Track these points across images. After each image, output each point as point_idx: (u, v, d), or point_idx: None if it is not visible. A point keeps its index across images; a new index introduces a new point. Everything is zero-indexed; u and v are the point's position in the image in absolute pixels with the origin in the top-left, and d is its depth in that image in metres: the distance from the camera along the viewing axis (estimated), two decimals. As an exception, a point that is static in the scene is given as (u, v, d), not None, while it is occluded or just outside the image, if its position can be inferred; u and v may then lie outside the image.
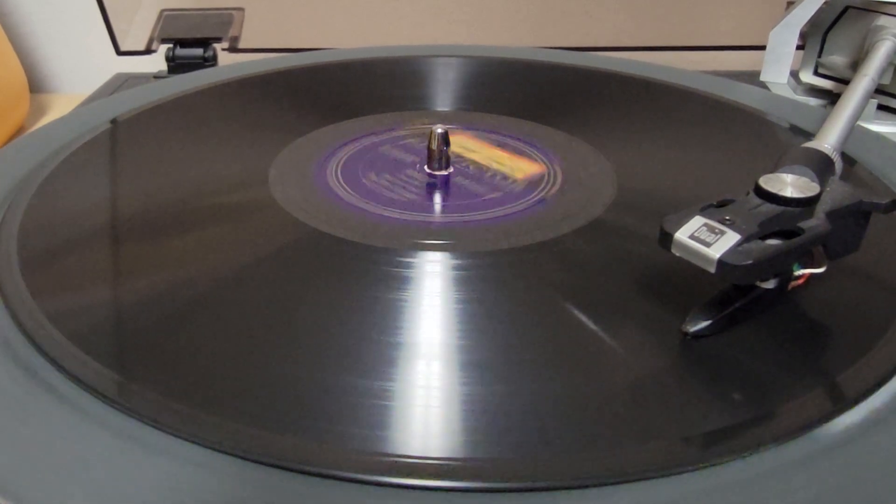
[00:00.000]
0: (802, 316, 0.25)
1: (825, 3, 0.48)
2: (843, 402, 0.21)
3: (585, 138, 0.38)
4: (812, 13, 0.49)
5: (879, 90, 0.47)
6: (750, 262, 0.21)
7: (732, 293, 0.24)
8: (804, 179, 0.24)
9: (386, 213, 0.31)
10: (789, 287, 0.25)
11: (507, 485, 0.19)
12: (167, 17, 0.60)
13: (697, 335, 0.23)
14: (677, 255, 0.22)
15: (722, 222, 0.22)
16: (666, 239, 0.23)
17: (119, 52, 0.58)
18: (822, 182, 0.25)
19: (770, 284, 0.24)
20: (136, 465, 0.19)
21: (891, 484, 0.19)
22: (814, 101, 0.50)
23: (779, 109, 0.43)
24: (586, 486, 0.19)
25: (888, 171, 0.35)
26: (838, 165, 0.29)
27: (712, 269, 0.22)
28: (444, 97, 0.46)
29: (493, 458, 0.19)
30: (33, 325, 0.24)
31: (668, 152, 0.38)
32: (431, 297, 0.26)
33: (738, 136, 0.40)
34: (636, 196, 0.33)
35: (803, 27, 0.49)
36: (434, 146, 0.35)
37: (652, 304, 0.25)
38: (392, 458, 0.19)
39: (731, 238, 0.22)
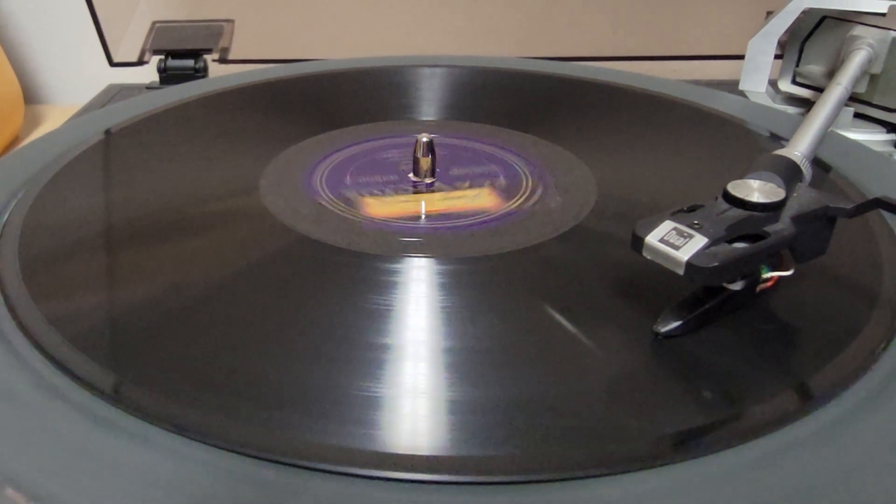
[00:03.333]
0: (772, 317, 0.26)
1: (803, 12, 0.49)
2: (811, 402, 0.22)
3: (568, 146, 0.39)
4: (790, 23, 0.49)
5: (856, 99, 0.48)
6: (716, 264, 0.22)
7: (703, 295, 0.25)
8: (771, 185, 0.25)
9: (373, 221, 0.32)
10: (758, 289, 0.25)
11: (488, 478, 0.19)
12: (159, 29, 0.61)
13: (668, 335, 0.24)
14: (648, 258, 0.23)
15: (691, 226, 0.23)
16: (637, 242, 0.23)
17: (112, 64, 0.59)
18: (790, 188, 0.26)
19: (738, 286, 0.25)
20: (134, 460, 0.20)
21: (858, 481, 0.20)
22: (792, 110, 0.51)
23: (757, 118, 0.43)
24: (564, 480, 0.19)
25: (863, 178, 0.36)
26: (807, 172, 0.30)
27: (681, 271, 0.22)
28: (429, 107, 0.46)
29: (475, 454, 0.20)
30: (35, 328, 0.25)
31: (649, 160, 0.39)
32: (417, 302, 0.27)
33: (717, 143, 0.41)
34: (617, 203, 0.34)
35: (782, 37, 0.50)
36: (419, 155, 0.36)
37: (628, 306, 0.26)
38: (381, 454, 0.20)
39: (698, 241, 0.23)
